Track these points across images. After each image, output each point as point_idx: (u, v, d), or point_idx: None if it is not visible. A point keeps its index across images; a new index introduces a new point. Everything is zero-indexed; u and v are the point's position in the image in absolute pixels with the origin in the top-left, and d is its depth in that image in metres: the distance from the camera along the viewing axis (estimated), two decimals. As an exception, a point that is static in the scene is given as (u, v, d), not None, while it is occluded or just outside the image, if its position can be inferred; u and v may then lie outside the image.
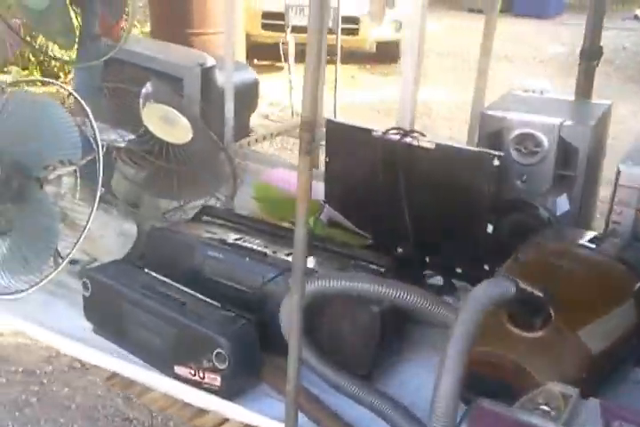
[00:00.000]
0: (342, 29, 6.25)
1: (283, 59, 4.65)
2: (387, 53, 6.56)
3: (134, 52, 2.18)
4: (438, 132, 5.34)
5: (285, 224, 1.80)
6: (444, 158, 1.58)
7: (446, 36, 7.47)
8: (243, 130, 2.45)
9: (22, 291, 1.58)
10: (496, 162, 1.50)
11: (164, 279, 1.47)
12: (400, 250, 1.68)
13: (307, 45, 1.01)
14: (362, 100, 5.23)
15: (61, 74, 5.08)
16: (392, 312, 1.36)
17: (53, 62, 4.84)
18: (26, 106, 1.67)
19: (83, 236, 1.55)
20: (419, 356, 1.48)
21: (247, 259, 1.48)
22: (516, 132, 1.73)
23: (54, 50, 2.39)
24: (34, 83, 1.73)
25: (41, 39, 2.34)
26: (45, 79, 1.82)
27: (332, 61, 6.76)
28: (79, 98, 1.66)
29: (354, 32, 6.28)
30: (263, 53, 5.76)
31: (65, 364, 2.32)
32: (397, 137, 1.62)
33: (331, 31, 6.55)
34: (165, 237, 1.60)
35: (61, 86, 1.67)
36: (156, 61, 2.18)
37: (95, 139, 1.62)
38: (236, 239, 1.57)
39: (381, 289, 1.28)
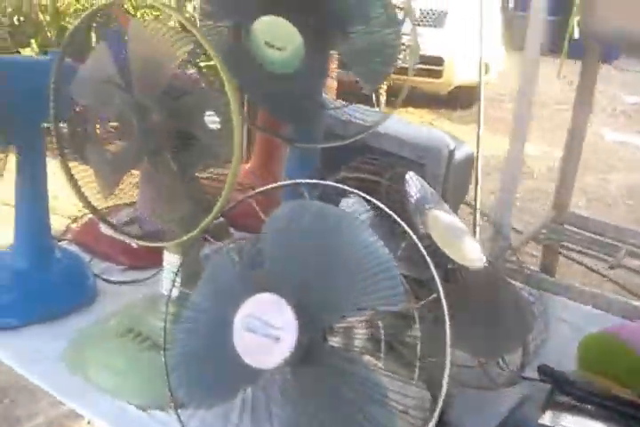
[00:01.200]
0: (423, 71, 5.89)
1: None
2: (458, 97, 6.12)
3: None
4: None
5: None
6: None
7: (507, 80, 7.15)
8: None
9: None
10: None
11: None
12: None
13: None
14: (454, 155, 4.76)
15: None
16: None
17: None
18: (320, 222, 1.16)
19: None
20: None
21: None
22: None
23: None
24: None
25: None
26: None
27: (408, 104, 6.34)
28: (395, 216, 1.16)
29: (436, 74, 5.78)
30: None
31: None
32: None
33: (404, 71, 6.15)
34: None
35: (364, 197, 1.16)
36: (396, 142, 1.68)
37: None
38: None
39: None
